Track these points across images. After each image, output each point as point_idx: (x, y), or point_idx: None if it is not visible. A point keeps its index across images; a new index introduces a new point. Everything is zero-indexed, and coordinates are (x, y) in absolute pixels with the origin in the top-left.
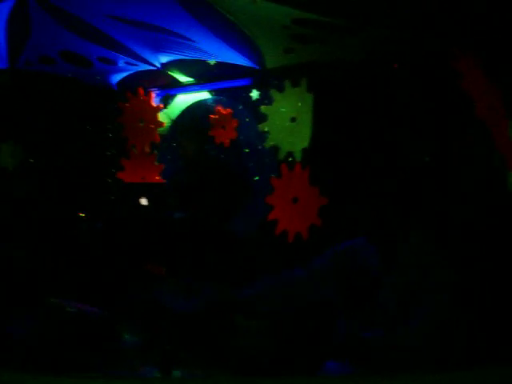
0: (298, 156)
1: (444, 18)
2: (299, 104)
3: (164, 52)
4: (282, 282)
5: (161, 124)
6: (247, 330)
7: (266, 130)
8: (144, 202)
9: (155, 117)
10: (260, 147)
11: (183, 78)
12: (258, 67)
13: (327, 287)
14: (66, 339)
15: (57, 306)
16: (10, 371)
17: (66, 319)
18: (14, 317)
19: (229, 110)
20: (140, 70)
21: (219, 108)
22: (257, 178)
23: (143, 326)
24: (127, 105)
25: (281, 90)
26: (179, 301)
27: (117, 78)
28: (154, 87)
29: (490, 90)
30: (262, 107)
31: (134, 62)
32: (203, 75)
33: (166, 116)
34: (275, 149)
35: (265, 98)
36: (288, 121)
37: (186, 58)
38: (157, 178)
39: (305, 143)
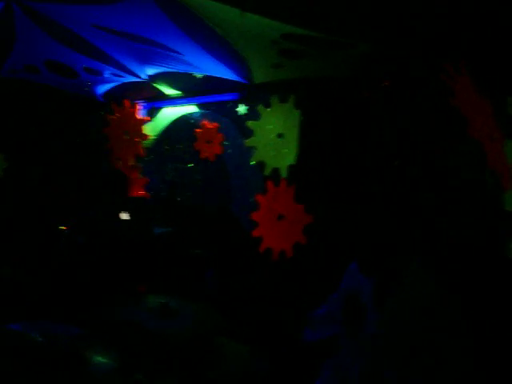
0: (284, 173)
1: (434, 30)
2: (286, 120)
3: (151, 64)
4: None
5: (146, 137)
6: (230, 354)
7: (252, 145)
8: (125, 216)
9: (140, 129)
10: (246, 163)
11: (170, 91)
12: (245, 82)
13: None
14: (28, 371)
15: (20, 335)
16: None
17: (28, 350)
18: None
19: (215, 125)
20: (126, 81)
21: (205, 122)
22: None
23: (116, 348)
24: (112, 116)
25: (268, 105)
26: (156, 320)
27: (102, 89)
28: (140, 99)
29: (484, 107)
30: (249, 122)
31: (121, 73)
32: (190, 89)
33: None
34: (261, 165)
35: (252, 114)
36: (275, 137)
37: (173, 70)
38: (140, 191)
39: (291, 160)
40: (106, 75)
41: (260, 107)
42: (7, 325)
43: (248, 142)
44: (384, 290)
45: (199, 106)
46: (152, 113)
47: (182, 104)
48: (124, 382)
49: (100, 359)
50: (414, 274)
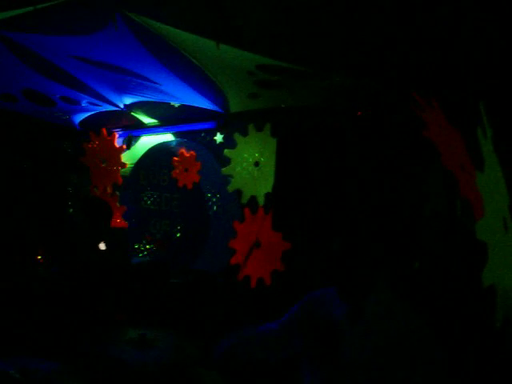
0: (261, 200)
1: (407, 64)
2: (263, 148)
3: (128, 93)
4: (254, 336)
5: (123, 165)
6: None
7: (229, 173)
8: (102, 246)
9: (118, 158)
10: (223, 191)
11: (147, 120)
12: (222, 111)
13: (296, 339)
14: None
15: None
16: None
17: None
18: None
19: (192, 153)
20: (103, 110)
21: (182, 151)
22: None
23: (94, 382)
24: (90, 145)
25: (244, 134)
26: (133, 352)
27: (80, 117)
28: (118, 128)
29: (455, 138)
30: (226, 151)
31: (98, 102)
32: (167, 117)
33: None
34: (238, 193)
35: (228, 142)
36: (251, 165)
37: (150, 99)
38: (118, 220)
39: (268, 188)
40: (83, 104)
41: (236, 135)
42: None
43: (225, 170)
44: (355, 315)
45: (176, 134)
46: (129, 141)
47: (159, 132)
48: None
49: None
50: (379, 297)
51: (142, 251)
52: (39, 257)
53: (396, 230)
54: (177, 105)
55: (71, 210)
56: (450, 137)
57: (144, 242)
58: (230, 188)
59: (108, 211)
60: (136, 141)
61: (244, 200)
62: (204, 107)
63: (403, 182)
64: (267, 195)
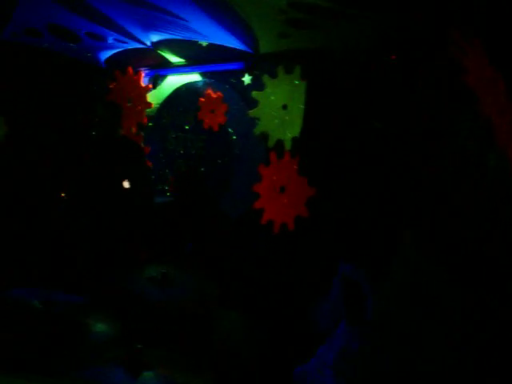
0: (288, 144)
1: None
2: (291, 91)
3: (155, 30)
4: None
5: (149, 105)
6: (228, 322)
7: (256, 116)
8: (126, 184)
9: (144, 97)
10: (249, 133)
11: (174, 59)
12: (251, 51)
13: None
14: (27, 338)
15: (20, 301)
16: None
17: (29, 317)
18: None
19: (219, 94)
20: (130, 47)
21: (209, 91)
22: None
23: (116, 317)
24: (115, 84)
25: (273, 76)
26: (154, 290)
27: (105, 55)
28: (144, 67)
29: (495, 81)
30: (254, 93)
31: (124, 39)
32: (194, 57)
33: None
34: (265, 136)
35: (257, 84)
36: (279, 108)
37: (178, 37)
38: None
39: (295, 132)
40: (109, 41)
41: (265, 77)
42: (7, 291)
43: (252, 112)
44: (379, 276)
45: (204, 74)
46: (155, 80)
47: (186, 72)
48: (124, 351)
49: (100, 328)
50: (405, 255)
51: (165, 191)
52: (63, 194)
53: (423, 184)
54: (205, 44)
55: (96, 150)
56: (491, 81)
57: (168, 182)
58: (257, 131)
59: (138, 150)
60: (162, 80)
61: (270, 143)
62: (233, 47)
63: (434, 132)
64: (294, 139)
